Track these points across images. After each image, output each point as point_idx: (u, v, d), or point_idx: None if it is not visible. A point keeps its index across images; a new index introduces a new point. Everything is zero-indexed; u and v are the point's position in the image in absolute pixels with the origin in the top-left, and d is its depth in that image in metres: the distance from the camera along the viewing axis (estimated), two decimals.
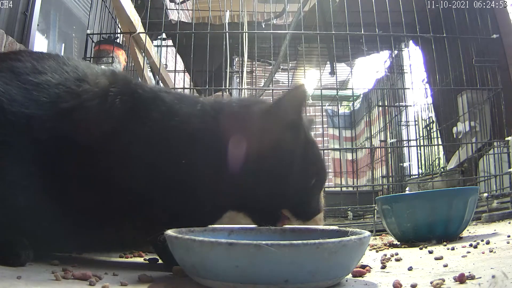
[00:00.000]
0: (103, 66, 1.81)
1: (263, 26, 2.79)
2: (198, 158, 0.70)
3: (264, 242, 0.46)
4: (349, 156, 4.59)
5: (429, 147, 3.22)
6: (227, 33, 2.30)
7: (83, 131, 0.66)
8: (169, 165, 0.68)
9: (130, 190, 0.66)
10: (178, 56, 2.88)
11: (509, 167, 2.06)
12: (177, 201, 0.69)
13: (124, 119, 0.68)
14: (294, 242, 0.47)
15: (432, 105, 3.13)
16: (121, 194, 0.66)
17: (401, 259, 0.85)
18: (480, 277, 0.55)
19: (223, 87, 2.73)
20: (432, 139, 3.26)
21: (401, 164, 3.47)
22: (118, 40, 2.05)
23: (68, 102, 0.66)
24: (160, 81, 2.26)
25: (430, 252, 0.94)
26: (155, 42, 2.94)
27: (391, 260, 0.85)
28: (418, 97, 3.27)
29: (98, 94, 0.69)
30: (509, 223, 1.56)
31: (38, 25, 1.85)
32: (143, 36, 1.96)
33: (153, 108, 0.70)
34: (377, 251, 1.09)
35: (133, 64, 2.27)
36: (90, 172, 0.65)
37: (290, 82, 3.79)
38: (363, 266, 0.70)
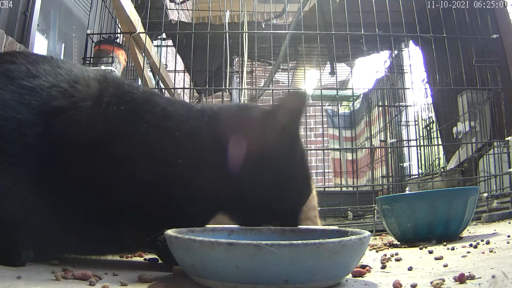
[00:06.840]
0: (102, 67, 1.81)
1: (263, 26, 2.78)
2: (194, 158, 0.70)
3: (264, 242, 0.46)
4: (349, 156, 4.58)
5: (429, 147, 3.22)
6: (227, 33, 2.30)
7: (76, 132, 0.65)
8: (165, 165, 0.68)
9: (127, 191, 0.66)
10: (178, 56, 2.88)
11: (509, 167, 2.06)
12: (175, 201, 0.69)
13: (119, 120, 0.68)
14: (294, 242, 0.47)
15: (432, 105, 3.13)
16: (118, 195, 0.66)
17: (401, 259, 0.85)
18: (480, 277, 0.55)
19: (223, 87, 2.73)
20: (432, 139, 3.26)
21: (401, 164, 3.47)
22: (118, 40, 2.05)
23: (60, 101, 0.66)
24: (160, 81, 2.26)
25: (430, 252, 0.94)
26: (155, 42, 2.94)
27: (391, 260, 0.85)
28: (418, 97, 3.28)
29: (91, 95, 0.69)
30: (509, 223, 1.56)
31: (38, 25, 1.85)
32: (143, 36, 1.96)
33: (147, 110, 0.70)
34: (377, 251, 1.09)
35: (133, 64, 2.27)
36: (86, 173, 0.65)
37: (290, 82, 3.79)
38: (363, 266, 0.70)
